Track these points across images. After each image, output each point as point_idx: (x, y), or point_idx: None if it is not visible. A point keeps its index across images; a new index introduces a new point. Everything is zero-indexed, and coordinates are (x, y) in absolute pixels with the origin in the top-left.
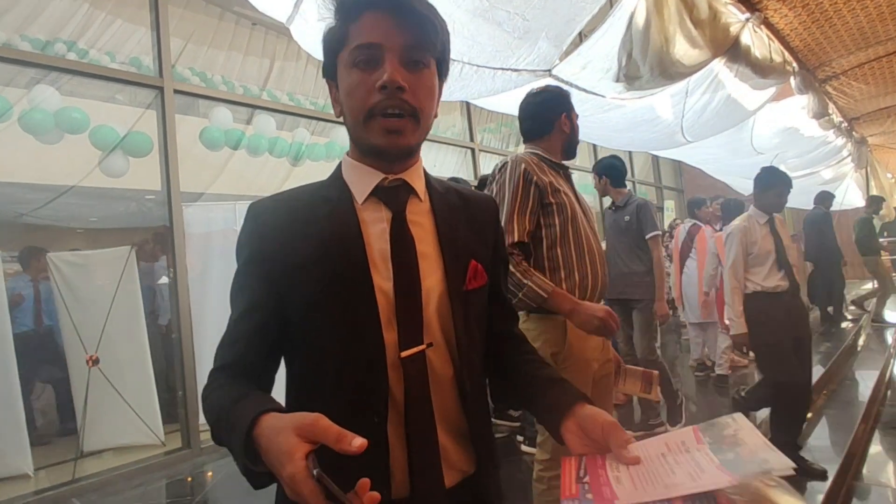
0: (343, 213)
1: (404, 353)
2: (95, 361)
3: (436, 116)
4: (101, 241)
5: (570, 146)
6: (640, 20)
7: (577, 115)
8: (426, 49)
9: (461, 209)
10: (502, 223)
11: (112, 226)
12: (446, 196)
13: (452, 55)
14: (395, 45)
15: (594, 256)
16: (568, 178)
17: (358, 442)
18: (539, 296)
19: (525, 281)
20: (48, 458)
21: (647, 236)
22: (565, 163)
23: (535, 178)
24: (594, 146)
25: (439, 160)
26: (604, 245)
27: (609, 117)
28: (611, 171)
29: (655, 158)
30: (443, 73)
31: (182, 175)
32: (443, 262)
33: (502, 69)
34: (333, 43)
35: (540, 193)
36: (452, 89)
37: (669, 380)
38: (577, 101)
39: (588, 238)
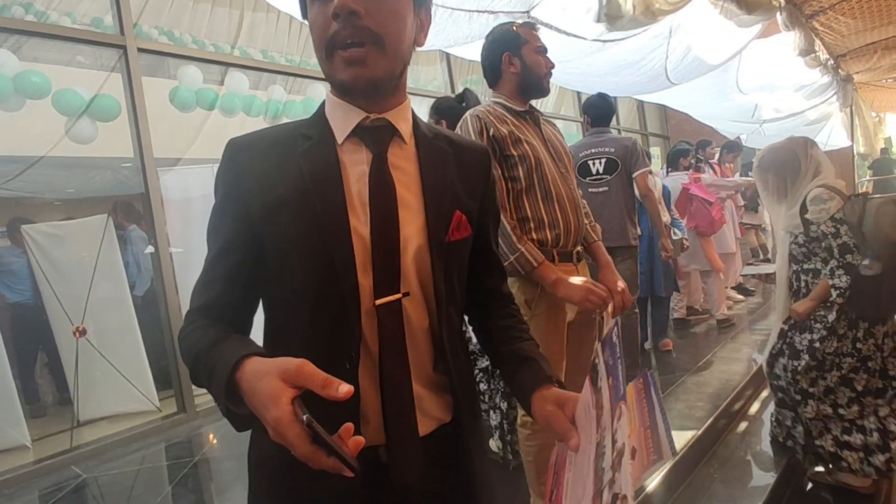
0: (322, 152)
1: (379, 301)
2: (82, 332)
3: (419, 45)
4: (81, 212)
5: (525, 87)
6: None
7: (537, 50)
8: None
9: (451, 156)
10: None
11: (90, 195)
12: (435, 141)
13: None
14: None
15: (564, 204)
16: (536, 123)
17: (344, 388)
18: (529, 263)
19: (519, 246)
20: (45, 429)
21: (634, 174)
22: (544, 110)
23: (492, 130)
24: (578, 93)
25: (421, 113)
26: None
27: (591, 62)
28: (590, 110)
29: (641, 104)
30: None
31: (156, 140)
32: (424, 210)
33: (477, 11)
34: None
35: (499, 146)
36: (427, 37)
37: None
38: (558, 45)
39: (557, 185)
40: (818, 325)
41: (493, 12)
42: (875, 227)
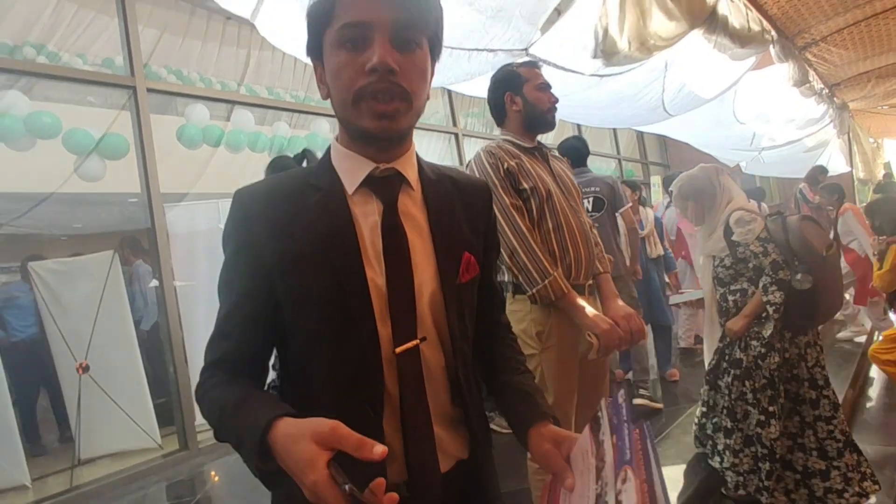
0: (334, 203)
1: (399, 349)
2: (85, 369)
3: (427, 98)
4: (88, 247)
5: (530, 123)
6: None
7: (538, 88)
8: (418, 28)
9: (455, 197)
10: (505, 221)
11: (96, 231)
12: (439, 184)
13: None
14: (385, 22)
15: (574, 235)
16: (544, 159)
17: (379, 449)
18: (561, 289)
19: (552, 271)
20: (45, 469)
21: (620, 211)
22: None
23: (506, 165)
24: (578, 126)
25: (423, 146)
26: None
27: (590, 95)
28: (570, 151)
29: (640, 134)
30: (436, 53)
31: (163, 175)
32: (435, 255)
33: (477, 50)
34: (318, 19)
35: (512, 179)
36: None
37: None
38: (557, 79)
39: (567, 217)
40: (755, 342)
41: (491, 50)
42: (802, 243)
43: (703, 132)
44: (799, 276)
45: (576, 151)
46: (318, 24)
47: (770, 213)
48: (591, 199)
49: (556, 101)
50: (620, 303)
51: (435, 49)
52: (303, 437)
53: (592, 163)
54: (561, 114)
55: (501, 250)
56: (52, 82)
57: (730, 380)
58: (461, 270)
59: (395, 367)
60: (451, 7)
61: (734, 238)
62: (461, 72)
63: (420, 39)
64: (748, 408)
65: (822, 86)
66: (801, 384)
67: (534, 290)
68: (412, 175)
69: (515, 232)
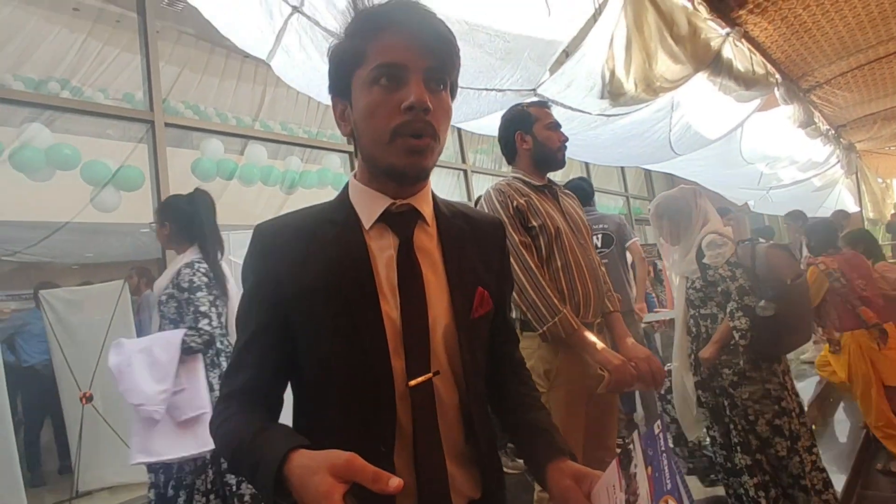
0: (351, 238)
1: (412, 382)
2: (89, 398)
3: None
4: (99, 276)
5: (540, 162)
6: (620, 38)
7: (548, 127)
8: (446, 71)
9: (469, 233)
10: (514, 259)
11: (107, 260)
12: (453, 220)
13: None
14: (420, 66)
15: (583, 273)
16: (554, 197)
17: (395, 482)
18: (571, 326)
19: (562, 308)
20: (43, 500)
21: (628, 244)
22: (556, 181)
23: (515, 203)
24: (587, 164)
25: (432, 182)
26: None
27: (597, 134)
28: (576, 191)
29: (648, 172)
30: (454, 95)
31: None
32: (449, 289)
33: (486, 90)
34: (348, 59)
35: (521, 217)
36: None
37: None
38: (564, 119)
39: (576, 255)
40: (727, 371)
41: (500, 90)
42: (768, 269)
43: (710, 171)
44: (762, 303)
45: (581, 191)
46: (347, 64)
47: (742, 239)
48: (599, 236)
49: (566, 140)
50: (634, 342)
51: (453, 92)
52: (319, 469)
53: (600, 200)
54: (568, 152)
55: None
56: (73, 115)
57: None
58: (475, 305)
59: (409, 402)
60: (463, 49)
61: (705, 261)
62: (470, 110)
63: (447, 82)
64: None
65: (828, 127)
66: (790, 417)
67: (544, 328)
68: (427, 211)
69: (524, 269)
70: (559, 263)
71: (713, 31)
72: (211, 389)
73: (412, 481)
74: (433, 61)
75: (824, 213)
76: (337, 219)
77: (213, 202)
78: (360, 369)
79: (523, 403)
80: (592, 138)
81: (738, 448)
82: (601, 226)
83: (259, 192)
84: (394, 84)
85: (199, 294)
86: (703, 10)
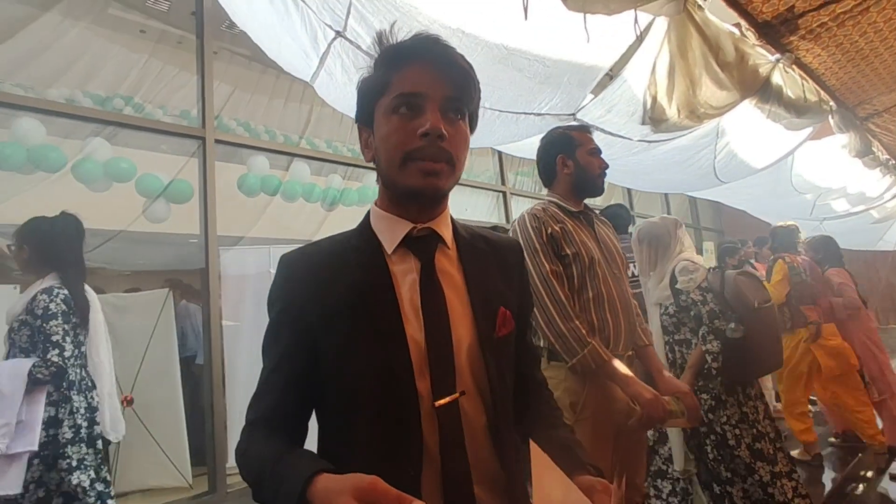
0: (373, 263)
1: (438, 403)
2: (130, 402)
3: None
4: (148, 283)
5: (580, 187)
6: (664, 64)
7: (590, 152)
8: (464, 101)
9: (489, 255)
10: (544, 288)
11: (155, 268)
12: (473, 242)
13: None
14: (438, 95)
15: (615, 306)
16: (590, 224)
17: None
18: (601, 357)
19: (590, 340)
20: None
21: None
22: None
23: (549, 230)
24: (628, 190)
25: (471, 203)
26: None
27: (640, 160)
28: (613, 219)
29: (693, 199)
30: (473, 125)
31: (221, 220)
32: (472, 310)
33: (525, 113)
34: (373, 90)
35: (555, 245)
36: (477, 135)
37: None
38: (604, 144)
39: (609, 286)
40: (705, 396)
41: (539, 114)
42: (735, 294)
43: (759, 199)
44: (732, 325)
45: (619, 219)
46: (371, 94)
47: (713, 266)
48: (633, 265)
49: (607, 166)
50: (671, 376)
51: (473, 121)
52: (343, 492)
53: None
54: (610, 177)
55: (538, 317)
56: (131, 130)
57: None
58: (498, 325)
59: (435, 423)
60: (501, 73)
61: (678, 286)
62: (509, 133)
63: (464, 112)
64: (717, 467)
65: (888, 157)
66: (766, 441)
67: (574, 360)
68: (447, 234)
69: (553, 300)
70: (591, 294)
71: (762, 57)
72: (59, 425)
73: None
74: (451, 91)
75: (885, 247)
76: (359, 245)
77: (81, 227)
78: (386, 391)
79: (547, 422)
80: (634, 164)
81: (726, 481)
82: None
83: (301, 208)
84: (412, 112)
85: (52, 322)
86: (751, 37)
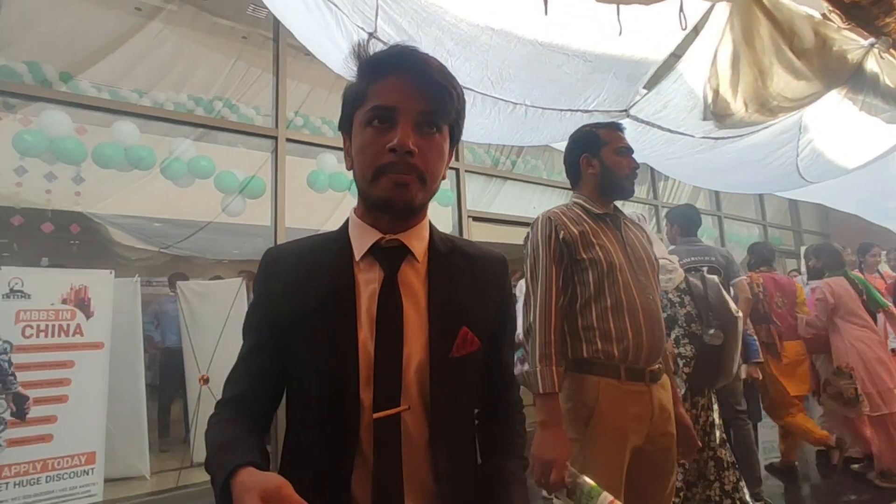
0: (341, 268)
1: (377, 415)
2: (206, 381)
3: (443, 178)
4: (232, 271)
5: (605, 188)
6: (726, 54)
7: (618, 151)
8: (440, 116)
9: (464, 272)
10: (538, 293)
11: (237, 258)
12: (449, 258)
13: (512, 98)
14: (411, 109)
15: (636, 315)
16: (616, 226)
17: None
18: (535, 387)
19: (537, 364)
20: (165, 464)
21: (734, 281)
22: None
23: (562, 234)
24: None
25: (544, 201)
26: None
27: (709, 158)
28: (679, 219)
29: (794, 200)
30: (455, 138)
31: (292, 214)
32: (429, 326)
33: (570, 111)
34: (352, 100)
35: (569, 250)
36: (521, 133)
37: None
38: (663, 142)
39: (630, 294)
40: None
41: (587, 111)
42: (719, 300)
43: (870, 201)
44: (712, 332)
45: (686, 219)
46: (350, 104)
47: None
48: (705, 269)
49: (637, 167)
50: (683, 412)
51: (455, 134)
52: (253, 489)
53: (730, 228)
54: (676, 176)
55: (523, 322)
56: (212, 131)
57: None
58: (457, 344)
59: (373, 433)
60: (538, 71)
61: None
62: (556, 132)
63: (440, 126)
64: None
65: None
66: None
67: (525, 370)
68: (418, 248)
69: (539, 308)
70: (609, 302)
71: (851, 41)
72: None
73: None
74: (425, 105)
75: None
76: (334, 248)
77: None
78: (332, 396)
79: (499, 448)
80: (703, 162)
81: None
82: (707, 258)
83: None
84: (385, 125)
85: None
86: (836, 19)
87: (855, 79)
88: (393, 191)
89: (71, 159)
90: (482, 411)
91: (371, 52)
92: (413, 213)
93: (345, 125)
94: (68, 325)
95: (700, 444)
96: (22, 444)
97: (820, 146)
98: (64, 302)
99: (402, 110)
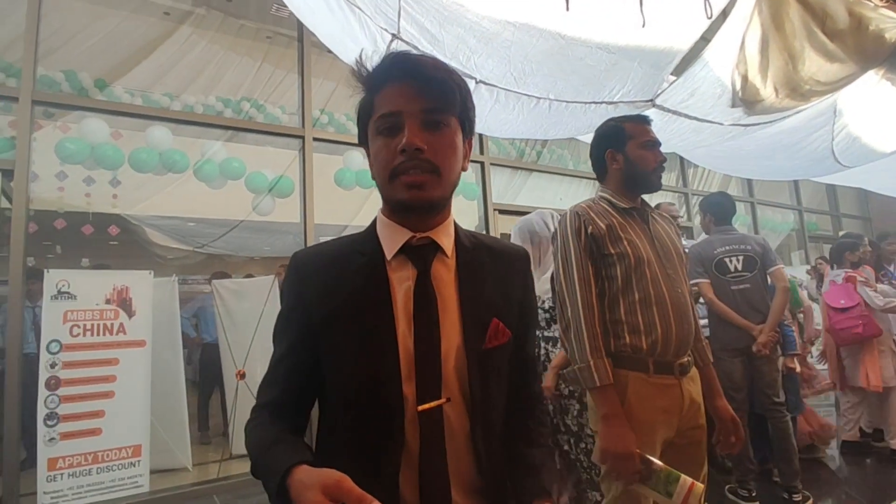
0: (373, 268)
1: (421, 407)
2: (242, 376)
3: (464, 170)
4: (265, 268)
5: (631, 183)
6: (755, 39)
7: (643, 145)
8: (444, 110)
9: (488, 266)
10: (575, 288)
11: (269, 255)
12: (474, 253)
13: (535, 92)
14: (414, 110)
15: (665, 308)
16: (644, 220)
17: None
18: (591, 381)
19: (589, 358)
20: (206, 456)
21: (772, 269)
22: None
23: (590, 228)
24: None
25: (571, 192)
26: None
27: (739, 145)
28: (712, 208)
29: (832, 185)
30: (466, 127)
31: (320, 211)
32: (462, 320)
33: (594, 103)
34: (363, 113)
35: (597, 244)
36: (545, 127)
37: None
38: (691, 130)
39: (659, 287)
40: (573, 402)
41: (611, 102)
42: None
43: None
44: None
45: (719, 208)
46: (362, 117)
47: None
48: (740, 259)
49: (663, 160)
50: (726, 405)
51: (465, 124)
52: (313, 485)
53: (763, 214)
54: (705, 164)
55: (561, 318)
56: (241, 133)
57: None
58: (489, 336)
59: (418, 426)
60: (560, 64)
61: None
62: (580, 124)
63: (448, 119)
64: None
65: None
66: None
67: (569, 369)
68: (447, 244)
69: (574, 304)
70: (637, 296)
71: (889, 19)
72: None
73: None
74: (427, 103)
75: None
76: (364, 250)
77: None
78: (373, 393)
79: (526, 438)
80: (733, 149)
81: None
82: (743, 247)
83: None
84: (393, 130)
85: None
86: None
87: (893, 59)
88: (409, 192)
89: (110, 165)
90: (511, 401)
91: (370, 66)
92: (435, 209)
93: (362, 138)
94: (112, 324)
95: None
96: (73, 438)
97: (856, 129)
98: (107, 302)
99: (406, 113)
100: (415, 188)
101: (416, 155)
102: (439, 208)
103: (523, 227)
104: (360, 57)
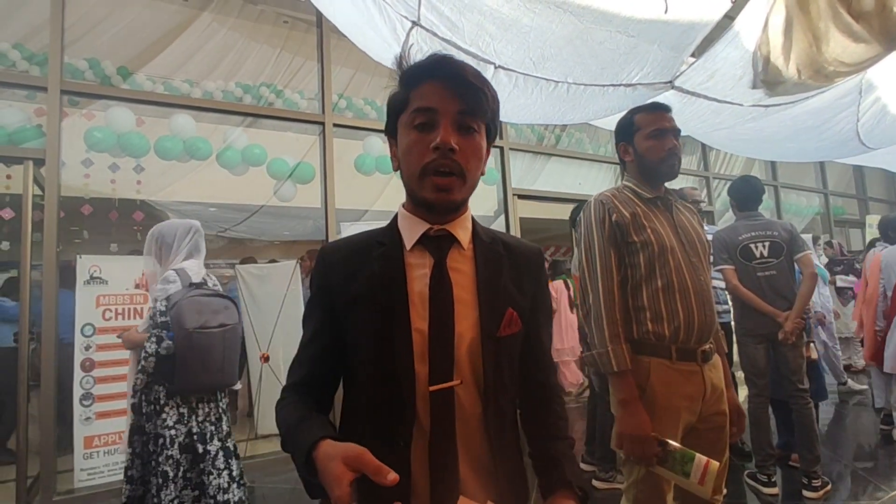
0: (392, 257)
1: (432, 388)
2: (266, 359)
3: (482, 174)
4: (289, 252)
5: (648, 173)
6: (778, 20)
7: (650, 135)
8: (477, 116)
9: (505, 259)
10: (598, 275)
11: (291, 239)
12: (491, 246)
13: (554, 76)
14: (450, 110)
15: (688, 296)
16: (668, 209)
17: (392, 476)
18: (609, 366)
19: (608, 345)
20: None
21: (798, 256)
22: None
23: (615, 216)
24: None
25: (591, 177)
26: None
27: (760, 127)
28: (736, 194)
29: (859, 167)
30: (491, 136)
31: (342, 196)
32: (478, 307)
33: (613, 85)
34: (396, 106)
35: (621, 232)
36: (563, 111)
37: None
38: (710, 112)
39: (682, 275)
40: None
41: (630, 85)
42: None
43: None
44: None
45: (741, 194)
46: (395, 109)
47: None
48: (766, 245)
49: (674, 147)
50: (734, 395)
51: (491, 133)
52: (336, 457)
53: (787, 197)
54: (726, 147)
55: (581, 306)
56: (262, 119)
57: None
58: (503, 324)
59: (429, 405)
60: (579, 48)
61: None
62: (598, 108)
63: (478, 125)
64: None
65: None
66: None
67: (588, 353)
68: (464, 236)
69: (596, 291)
70: (660, 283)
71: None
72: None
73: (426, 481)
74: (462, 106)
75: None
76: (385, 240)
77: None
78: (389, 371)
79: (546, 433)
80: (754, 131)
81: None
82: (769, 233)
83: None
84: (427, 127)
85: None
86: None
87: None
88: (437, 194)
89: (136, 153)
90: (526, 396)
91: (412, 62)
92: (457, 210)
93: (390, 130)
94: (142, 308)
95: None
96: (108, 417)
97: (881, 111)
98: (137, 287)
99: (441, 111)
100: (443, 191)
101: (449, 154)
102: (459, 208)
103: (157, 228)
104: (407, 52)
